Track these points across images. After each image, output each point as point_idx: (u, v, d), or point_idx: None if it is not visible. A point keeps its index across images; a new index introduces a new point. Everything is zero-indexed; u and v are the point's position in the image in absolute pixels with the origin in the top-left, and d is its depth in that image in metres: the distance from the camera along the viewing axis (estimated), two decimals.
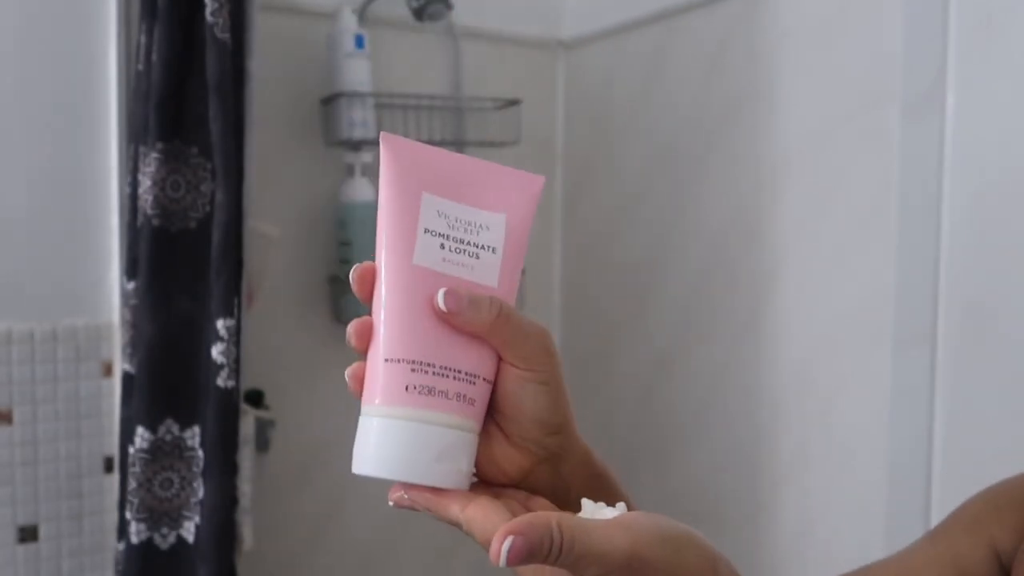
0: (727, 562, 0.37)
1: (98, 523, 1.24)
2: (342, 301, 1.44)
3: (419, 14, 1.46)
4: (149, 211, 1.10)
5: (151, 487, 1.13)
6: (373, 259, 0.40)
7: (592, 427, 1.42)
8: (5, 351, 1.18)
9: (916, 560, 0.50)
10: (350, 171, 1.43)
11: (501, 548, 0.33)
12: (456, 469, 0.38)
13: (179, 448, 1.14)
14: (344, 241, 1.42)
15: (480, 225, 0.41)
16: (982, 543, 0.48)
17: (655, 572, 0.34)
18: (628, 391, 1.56)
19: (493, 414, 0.41)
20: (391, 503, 0.41)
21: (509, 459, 0.41)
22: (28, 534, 1.20)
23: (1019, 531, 0.47)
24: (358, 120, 1.37)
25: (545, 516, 0.34)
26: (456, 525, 0.39)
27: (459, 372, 0.39)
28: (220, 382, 1.08)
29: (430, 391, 0.38)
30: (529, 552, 0.33)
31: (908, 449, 1.08)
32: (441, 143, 1.52)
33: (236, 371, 1.09)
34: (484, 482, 0.42)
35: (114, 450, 1.24)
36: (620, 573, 0.34)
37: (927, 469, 1.07)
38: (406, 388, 0.38)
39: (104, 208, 1.25)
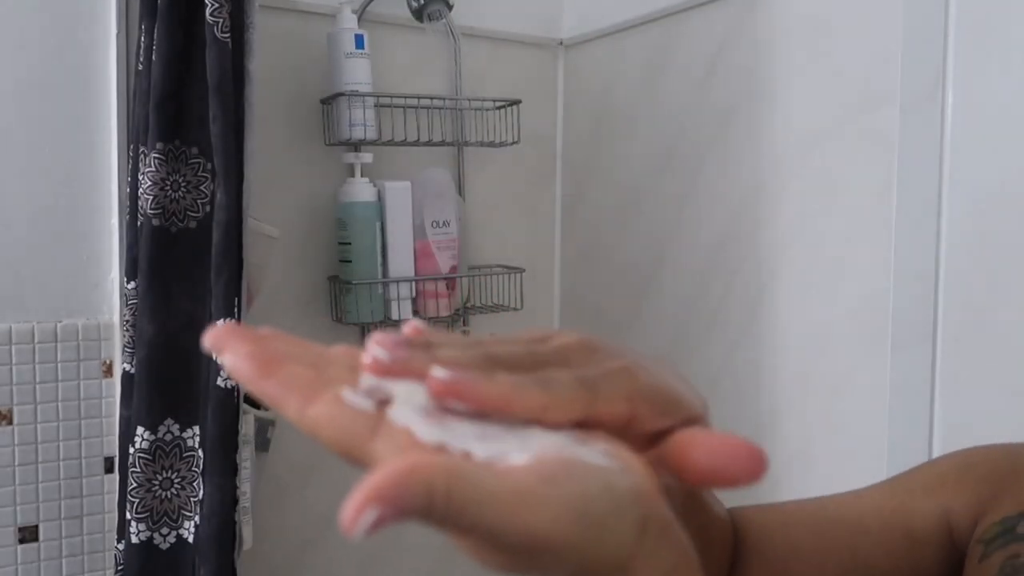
0: (665, 526, 0.28)
1: (98, 523, 1.25)
2: (342, 301, 1.44)
3: (419, 14, 1.46)
4: (149, 211, 1.10)
5: (151, 487, 1.13)
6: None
7: None
8: (5, 351, 1.18)
9: (869, 506, 0.48)
10: (350, 171, 1.43)
11: (358, 519, 0.22)
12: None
13: (179, 448, 1.14)
14: (344, 241, 1.42)
15: None
16: (936, 508, 0.46)
17: (558, 556, 0.25)
18: None
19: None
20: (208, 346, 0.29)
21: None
22: (28, 534, 1.20)
23: (976, 506, 0.45)
24: (358, 120, 1.37)
25: (423, 469, 0.22)
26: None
27: None
28: (220, 382, 1.08)
29: None
30: (397, 521, 0.22)
31: (908, 449, 1.08)
32: (441, 143, 1.52)
33: None
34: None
35: (114, 450, 1.24)
36: (512, 552, 0.25)
37: None
38: None
39: (104, 208, 1.25)
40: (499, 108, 1.54)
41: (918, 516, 0.46)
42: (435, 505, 0.22)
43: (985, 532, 0.44)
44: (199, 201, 1.13)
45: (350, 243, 1.40)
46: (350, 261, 1.40)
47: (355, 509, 0.22)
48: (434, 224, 1.48)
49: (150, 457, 1.12)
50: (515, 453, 0.26)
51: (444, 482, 0.22)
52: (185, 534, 1.15)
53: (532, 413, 0.27)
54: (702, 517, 0.40)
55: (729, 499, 0.43)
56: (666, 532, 0.28)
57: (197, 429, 1.14)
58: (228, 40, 1.08)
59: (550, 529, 0.24)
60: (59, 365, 1.22)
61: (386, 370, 0.27)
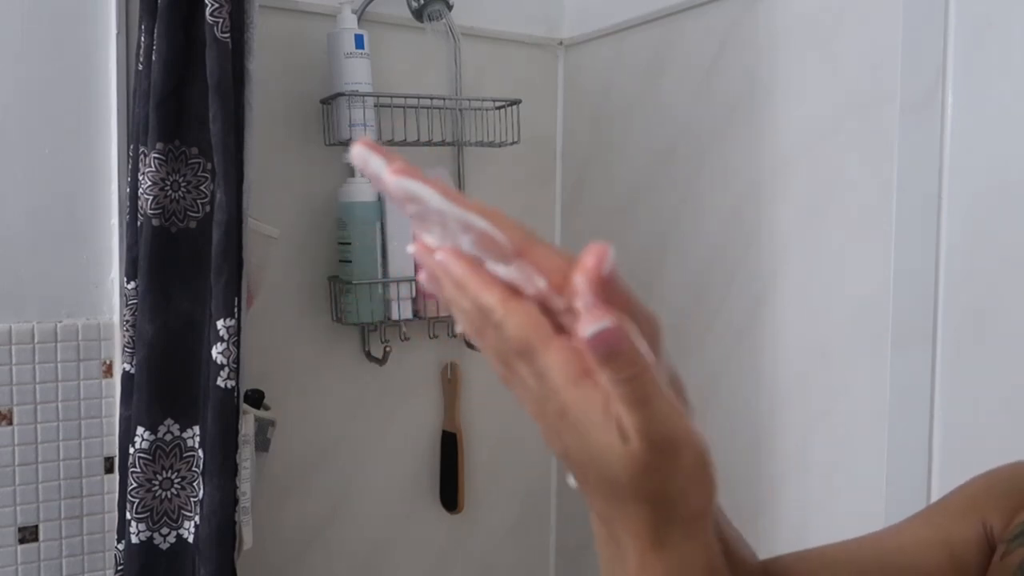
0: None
1: (98, 523, 1.25)
2: (342, 301, 1.44)
3: (419, 14, 1.46)
4: (149, 211, 1.10)
5: (151, 487, 1.13)
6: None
7: None
8: (5, 351, 1.18)
9: (908, 538, 0.50)
10: (350, 171, 1.43)
11: (592, 323, 0.31)
12: None
13: (179, 448, 1.14)
14: (344, 241, 1.42)
15: None
16: (975, 526, 0.48)
17: (694, 475, 0.34)
18: None
19: None
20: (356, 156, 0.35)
21: None
22: (28, 534, 1.20)
23: (1010, 516, 0.47)
24: (358, 120, 1.37)
25: (630, 333, 0.32)
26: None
27: None
28: (220, 382, 1.08)
29: None
30: (610, 356, 0.31)
31: (908, 449, 1.08)
32: (441, 143, 1.52)
33: (236, 371, 1.10)
34: None
35: (114, 450, 1.24)
36: (664, 459, 0.33)
37: (927, 469, 1.07)
38: None
39: (104, 208, 1.25)
40: (499, 108, 1.54)
41: (958, 540, 0.48)
42: (637, 369, 0.32)
43: (1009, 532, 0.45)
44: (199, 201, 1.13)
45: (350, 243, 1.40)
46: (350, 261, 1.40)
47: (595, 317, 0.31)
48: None
49: (150, 457, 1.12)
50: None
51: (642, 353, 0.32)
52: (185, 534, 1.15)
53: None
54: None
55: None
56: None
57: (197, 429, 1.14)
58: (228, 40, 1.08)
59: (702, 443, 0.34)
60: (59, 365, 1.22)
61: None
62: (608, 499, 0.35)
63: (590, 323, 0.31)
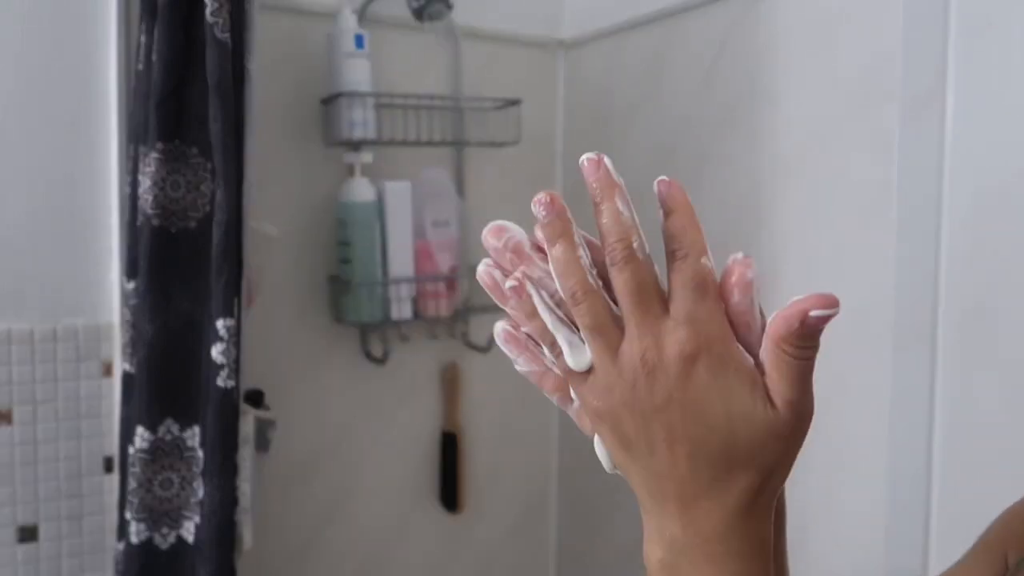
0: None
1: (98, 523, 1.25)
2: (342, 301, 1.44)
3: (419, 14, 1.46)
4: (149, 211, 1.10)
5: (151, 487, 1.13)
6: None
7: None
8: (5, 351, 1.18)
9: None
10: (350, 171, 1.43)
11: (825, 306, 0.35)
12: None
13: (179, 448, 1.14)
14: (344, 241, 1.42)
15: None
16: (998, 561, 0.49)
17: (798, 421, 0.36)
18: None
19: None
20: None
21: None
22: (28, 534, 1.20)
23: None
24: (358, 120, 1.37)
25: None
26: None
27: None
28: (220, 382, 1.08)
29: None
30: (814, 334, 0.36)
31: (908, 450, 1.08)
32: (441, 143, 1.52)
33: (236, 371, 1.09)
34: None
35: (114, 450, 1.24)
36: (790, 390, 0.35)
37: (927, 469, 1.07)
38: None
39: (104, 208, 1.25)
40: (499, 108, 1.54)
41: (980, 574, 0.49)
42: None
43: (1019, 562, 0.46)
44: (199, 201, 1.13)
45: (350, 243, 1.40)
46: (350, 261, 1.40)
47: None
48: (434, 224, 1.48)
49: (150, 457, 1.12)
50: None
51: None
52: (185, 534, 1.15)
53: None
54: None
55: None
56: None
57: (197, 429, 1.14)
58: (228, 40, 1.08)
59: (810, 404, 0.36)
60: (58, 365, 1.22)
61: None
62: (709, 465, 0.35)
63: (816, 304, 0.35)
